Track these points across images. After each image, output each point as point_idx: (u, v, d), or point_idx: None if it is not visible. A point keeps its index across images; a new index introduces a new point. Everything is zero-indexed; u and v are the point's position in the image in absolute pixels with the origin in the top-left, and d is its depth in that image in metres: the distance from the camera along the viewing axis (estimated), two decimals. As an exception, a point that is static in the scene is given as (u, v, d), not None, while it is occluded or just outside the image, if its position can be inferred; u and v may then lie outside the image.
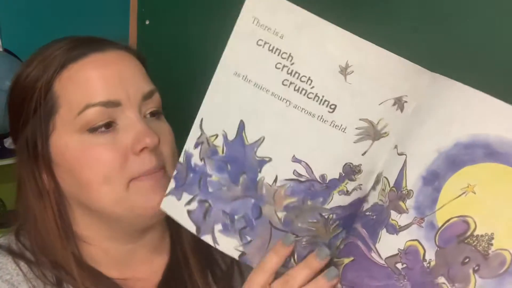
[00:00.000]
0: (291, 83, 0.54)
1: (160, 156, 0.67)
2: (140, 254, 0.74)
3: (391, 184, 0.53)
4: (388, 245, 0.52)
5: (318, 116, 0.54)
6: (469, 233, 0.48)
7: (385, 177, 0.55)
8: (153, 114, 0.70)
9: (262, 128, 0.55)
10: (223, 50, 0.57)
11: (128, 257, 0.73)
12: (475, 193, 0.48)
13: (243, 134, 0.56)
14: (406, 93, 0.53)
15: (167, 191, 0.61)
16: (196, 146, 0.59)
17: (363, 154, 0.55)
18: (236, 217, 0.57)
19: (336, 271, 0.55)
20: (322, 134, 0.54)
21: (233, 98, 0.56)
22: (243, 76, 0.56)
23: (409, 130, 0.54)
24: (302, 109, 0.54)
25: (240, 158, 0.56)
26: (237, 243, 0.58)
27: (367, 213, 0.56)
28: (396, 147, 0.54)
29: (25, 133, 0.69)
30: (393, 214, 0.52)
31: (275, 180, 0.56)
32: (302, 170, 0.55)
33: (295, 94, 0.54)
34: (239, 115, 0.56)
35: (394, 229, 0.52)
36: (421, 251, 0.50)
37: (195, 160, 0.59)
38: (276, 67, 0.54)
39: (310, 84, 0.54)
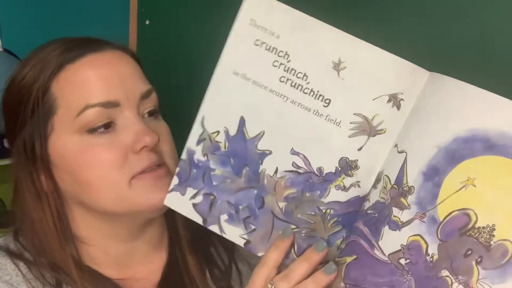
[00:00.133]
0: (288, 79, 0.58)
1: (160, 154, 0.67)
2: (140, 252, 0.74)
3: (392, 182, 0.54)
4: (390, 241, 0.53)
5: (314, 110, 0.58)
6: (470, 225, 0.49)
7: (386, 175, 0.55)
8: (151, 113, 0.69)
9: (262, 122, 0.59)
10: (222, 50, 0.59)
11: (127, 257, 0.73)
12: (475, 186, 0.49)
13: (244, 129, 0.59)
14: (401, 90, 0.56)
15: (170, 188, 0.63)
16: (198, 143, 0.61)
17: (359, 150, 0.57)
18: (240, 207, 0.61)
19: (334, 266, 0.56)
20: (317, 128, 0.58)
21: (233, 96, 0.59)
22: (242, 74, 0.59)
23: (408, 128, 0.55)
24: (299, 103, 0.58)
25: (242, 152, 0.60)
26: (242, 231, 0.61)
27: (369, 212, 0.56)
28: (396, 145, 0.55)
29: (22, 135, 0.68)
30: (395, 211, 0.53)
31: (276, 172, 0.59)
32: (300, 162, 0.59)
33: (292, 90, 0.58)
34: (239, 112, 0.59)
35: (397, 226, 0.52)
36: (424, 246, 0.50)
37: (198, 156, 0.61)
38: (273, 65, 0.58)
39: (306, 80, 0.57)
